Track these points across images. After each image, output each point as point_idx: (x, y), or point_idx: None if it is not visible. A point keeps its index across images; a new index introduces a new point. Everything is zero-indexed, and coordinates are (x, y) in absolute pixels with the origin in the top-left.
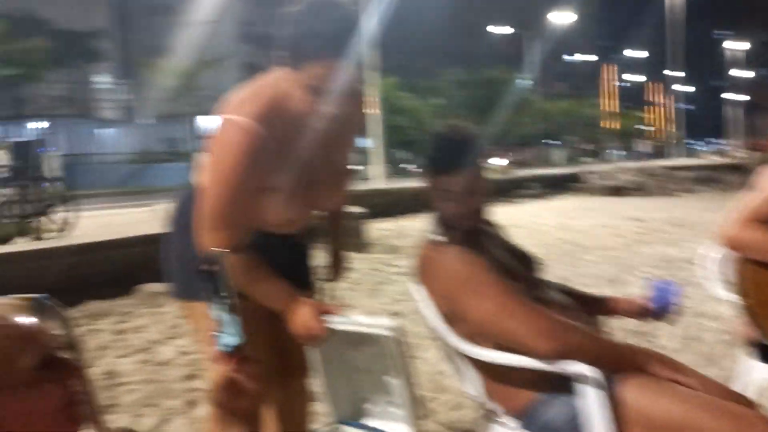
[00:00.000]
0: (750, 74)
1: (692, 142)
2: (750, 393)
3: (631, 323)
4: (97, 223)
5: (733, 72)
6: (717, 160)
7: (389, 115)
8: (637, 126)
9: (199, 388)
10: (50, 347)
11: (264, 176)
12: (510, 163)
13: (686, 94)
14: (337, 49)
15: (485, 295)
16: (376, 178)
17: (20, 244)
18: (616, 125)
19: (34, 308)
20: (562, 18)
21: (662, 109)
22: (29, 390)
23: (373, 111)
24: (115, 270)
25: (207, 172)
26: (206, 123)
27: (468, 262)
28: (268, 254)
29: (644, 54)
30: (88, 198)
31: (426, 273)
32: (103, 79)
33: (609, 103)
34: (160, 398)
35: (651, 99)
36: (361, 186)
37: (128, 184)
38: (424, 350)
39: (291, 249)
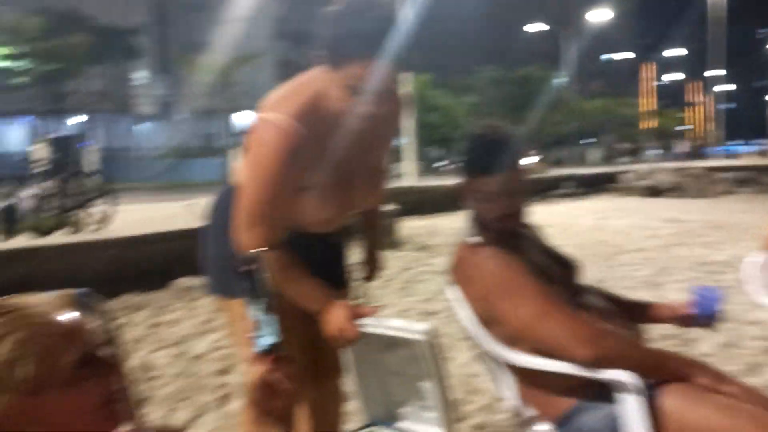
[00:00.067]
0: None
1: (732, 143)
2: None
3: (670, 329)
4: (134, 217)
5: None
6: (758, 161)
7: (422, 112)
8: (676, 126)
9: (231, 383)
10: (91, 344)
11: (302, 175)
12: (544, 161)
13: (727, 93)
14: (376, 50)
15: (523, 298)
16: (408, 175)
17: (60, 237)
18: (654, 125)
19: (77, 303)
20: (599, 15)
21: (702, 108)
22: (70, 388)
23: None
24: (152, 264)
25: (245, 170)
26: (243, 120)
27: (505, 265)
28: (304, 253)
29: (684, 52)
30: (125, 192)
31: (461, 274)
32: (140, 75)
33: (647, 102)
34: (194, 393)
35: (691, 99)
36: (393, 183)
37: (164, 178)
38: (457, 351)
39: (327, 248)
